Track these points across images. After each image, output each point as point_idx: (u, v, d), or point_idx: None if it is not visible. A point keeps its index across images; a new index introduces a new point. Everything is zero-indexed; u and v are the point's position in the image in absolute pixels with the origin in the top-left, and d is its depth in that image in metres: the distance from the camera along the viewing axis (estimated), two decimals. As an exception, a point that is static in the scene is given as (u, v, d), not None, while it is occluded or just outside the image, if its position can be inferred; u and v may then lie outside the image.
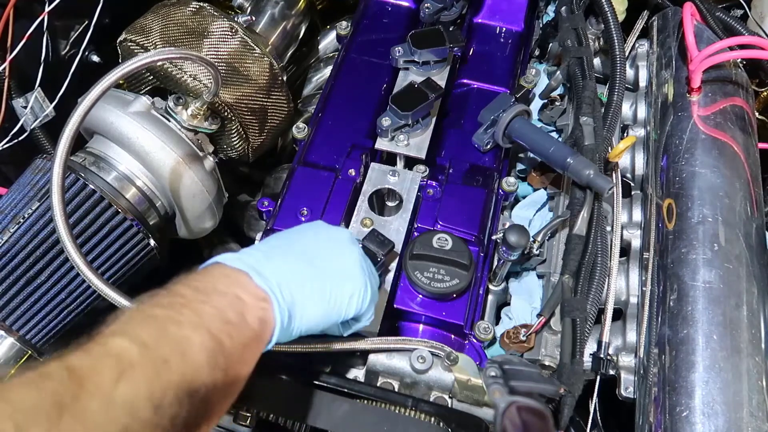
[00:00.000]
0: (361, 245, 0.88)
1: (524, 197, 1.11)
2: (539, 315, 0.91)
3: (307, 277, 0.68)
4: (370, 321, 0.77)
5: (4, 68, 1.15)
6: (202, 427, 0.56)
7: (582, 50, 1.10)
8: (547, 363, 0.90)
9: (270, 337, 0.65)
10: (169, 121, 1.09)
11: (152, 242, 1.10)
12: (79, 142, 1.08)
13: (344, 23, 1.27)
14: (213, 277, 0.63)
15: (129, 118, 1.05)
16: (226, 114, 1.12)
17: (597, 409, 0.89)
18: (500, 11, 1.27)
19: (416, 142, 1.04)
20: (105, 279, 0.82)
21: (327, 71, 1.44)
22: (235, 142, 1.17)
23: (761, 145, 1.03)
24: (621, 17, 1.17)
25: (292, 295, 0.66)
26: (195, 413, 0.54)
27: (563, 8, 1.19)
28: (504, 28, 1.26)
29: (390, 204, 1.05)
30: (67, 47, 1.30)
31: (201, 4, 1.15)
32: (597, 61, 1.22)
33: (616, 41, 1.09)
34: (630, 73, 1.19)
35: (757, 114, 1.12)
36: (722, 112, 1.01)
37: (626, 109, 1.15)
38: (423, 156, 1.03)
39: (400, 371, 0.86)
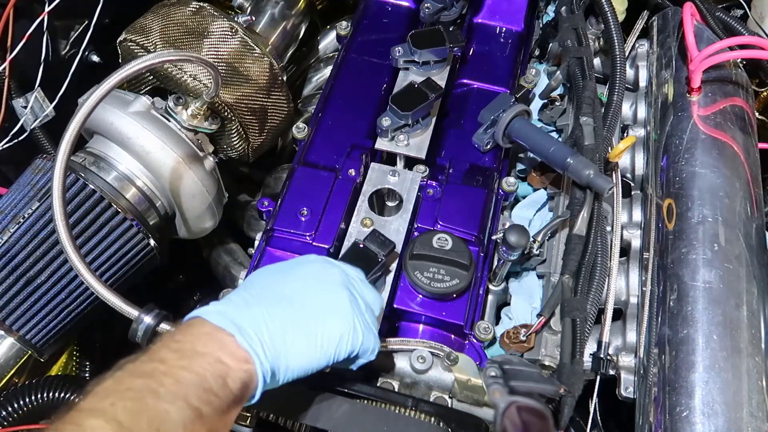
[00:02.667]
0: (362, 245, 0.88)
1: (524, 197, 1.11)
2: (539, 315, 0.91)
3: (289, 326, 0.66)
4: (375, 355, 0.74)
5: (4, 68, 1.15)
6: None
7: (582, 50, 1.10)
8: (547, 363, 0.90)
9: (253, 395, 0.64)
10: (169, 121, 1.09)
11: (152, 242, 1.10)
12: (79, 142, 1.08)
13: (344, 23, 1.27)
14: (194, 337, 0.62)
15: (129, 118, 1.05)
16: (226, 114, 1.12)
17: (597, 409, 0.89)
18: (500, 11, 1.27)
19: (416, 142, 1.04)
20: (103, 280, 0.82)
21: (327, 71, 1.44)
22: (235, 142, 1.17)
23: (761, 145, 1.03)
24: (621, 17, 1.17)
25: (275, 348, 0.64)
26: None
27: (563, 8, 1.19)
28: (504, 28, 1.26)
29: (390, 204, 1.05)
30: (67, 47, 1.30)
31: (201, 4, 1.15)
32: (597, 61, 1.22)
33: (616, 41, 1.09)
34: (630, 73, 1.19)
35: (757, 114, 1.12)
36: (722, 112, 1.01)
37: (626, 109, 1.15)
38: (423, 156, 1.03)
39: (400, 371, 0.86)
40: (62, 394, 1.07)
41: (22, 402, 1.05)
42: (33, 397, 1.06)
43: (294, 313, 0.67)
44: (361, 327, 0.70)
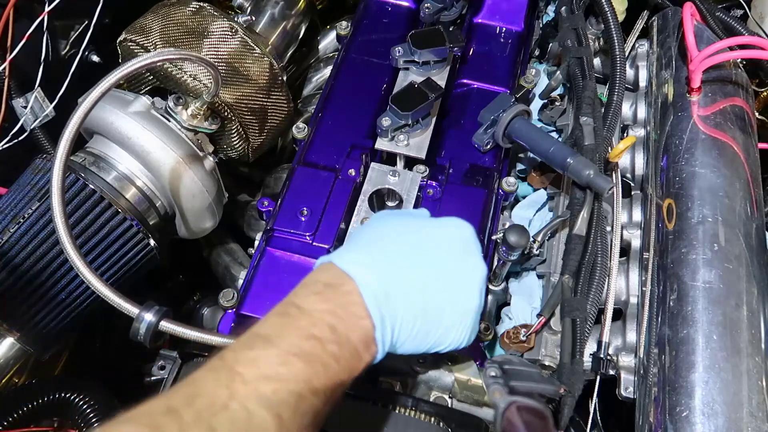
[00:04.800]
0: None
1: (524, 197, 1.11)
2: (539, 315, 0.91)
3: (418, 327, 0.66)
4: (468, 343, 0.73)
5: (4, 68, 1.15)
6: None
7: (582, 50, 1.10)
8: (547, 363, 0.90)
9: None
10: (169, 121, 1.09)
11: (152, 242, 1.10)
12: (79, 142, 1.08)
13: (344, 23, 1.27)
14: (350, 318, 0.61)
15: (129, 118, 1.05)
16: (226, 114, 1.12)
17: (597, 409, 0.89)
18: (500, 11, 1.27)
19: (416, 142, 1.04)
20: (104, 279, 0.82)
21: (327, 71, 1.44)
22: (235, 142, 1.17)
23: (761, 145, 1.03)
24: (621, 17, 1.17)
25: (398, 344, 0.65)
26: None
27: (563, 8, 1.19)
28: (504, 28, 1.26)
29: (390, 204, 1.05)
30: (67, 47, 1.30)
31: (201, 4, 1.15)
32: (597, 61, 1.22)
33: (616, 41, 1.09)
34: (630, 73, 1.19)
35: (757, 114, 1.12)
36: (722, 112, 1.01)
37: (626, 109, 1.15)
38: (423, 156, 1.03)
39: (400, 371, 0.86)
40: (64, 395, 1.07)
41: (23, 403, 1.05)
42: (35, 398, 1.06)
43: (426, 315, 0.66)
44: (471, 333, 0.71)
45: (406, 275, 0.66)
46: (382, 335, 0.63)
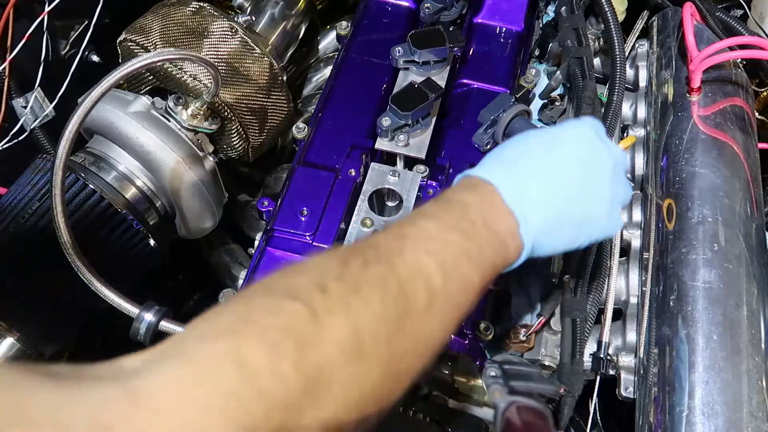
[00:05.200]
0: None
1: (524, 197, 1.11)
2: (539, 315, 0.91)
3: (564, 230, 0.68)
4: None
5: (4, 68, 1.15)
6: None
7: (582, 50, 1.10)
8: (547, 363, 0.90)
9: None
10: (169, 121, 1.09)
11: (152, 242, 1.10)
12: (79, 142, 1.08)
13: (344, 23, 1.27)
14: (494, 211, 0.63)
15: (129, 118, 1.05)
16: (226, 114, 1.12)
17: (597, 409, 0.89)
18: (500, 11, 1.27)
19: (416, 142, 1.04)
20: (104, 279, 0.82)
21: (327, 71, 1.44)
22: (235, 142, 1.17)
23: (761, 145, 1.03)
24: (621, 17, 1.17)
25: (539, 244, 0.67)
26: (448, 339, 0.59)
27: (563, 8, 1.19)
28: (504, 28, 1.26)
29: (390, 204, 1.05)
30: (67, 47, 1.30)
31: (201, 4, 1.15)
32: (597, 61, 1.22)
33: (616, 41, 1.09)
34: (630, 73, 1.19)
35: (757, 114, 1.12)
36: (722, 112, 1.01)
37: (626, 109, 1.15)
38: (423, 156, 1.03)
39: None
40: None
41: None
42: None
43: (572, 215, 0.68)
44: (616, 222, 0.72)
45: (539, 176, 0.67)
46: (526, 231, 0.64)
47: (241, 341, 0.41)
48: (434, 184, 1.03)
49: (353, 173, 1.03)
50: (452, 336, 0.92)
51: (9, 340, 1.04)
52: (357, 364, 0.46)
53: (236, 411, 0.38)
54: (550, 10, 1.32)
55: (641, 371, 0.88)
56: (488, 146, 1.07)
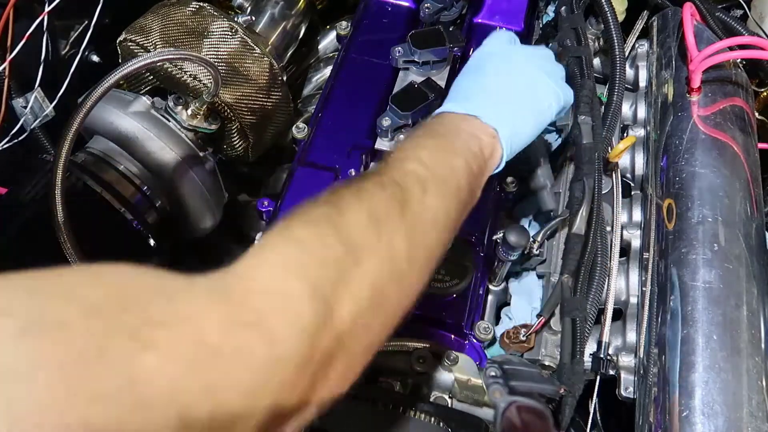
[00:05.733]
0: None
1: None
2: (539, 315, 0.91)
3: (518, 109, 0.78)
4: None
5: (4, 68, 1.15)
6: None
7: (581, 50, 1.10)
8: (547, 363, 0.90)
9: (498, 164, 0.76)
10: (169, 121, 1.09)
11: (152, 242, 1.10)
12: (79, 142, 1.08)
13: (344, 23, 1.27)
14: (452, 120, 0.73)
15: (129, 118, 1.05)
16: (226, 114, 1.12)
17: (597, 409, 0.89)
18: (500, 11, 1.27)
19: (416, 142, 1.04)
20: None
21: (327, 71, 1.44)
22: (235, 142, 1.17)
23: (761, 145, 1.03)
24: (621, 17, 1.17)
25: (510, 126, 0.75)
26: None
27: (563, 8, 1.19)
28: (504, 28, 1.26)
29: (390, 204, 1.05)
30: (67, 47, 1.30)
31: (201, 4, 1.15)
32: (597, 61, 1.22)
33: (615, 41, 1.09)
34: (630, 73, 1.19)
35: (757, 114, 1.12)
36: (722, 112, 1.01)
37: (626, 109, 1.15)
38: (423, 156, 1.03)
39: (400, 371, 0.86)
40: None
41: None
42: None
43: (518, 99, 0.78)
44: (562, 90, 0.82)
45: (483, 87, 0.78)
46: (489, 118, 0.74)
47: (289, 226, 0.54)
48: (434, 184, 1.02)
49: (353, 173, 1.03)
50: (452, 336, 0.92)
51: (9, 340, 1.04)
52: (381, 237, 0.55)
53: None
54: (550, 10, 1.32)
55: (641, 371, 0.88)
56: None
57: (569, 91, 0.85)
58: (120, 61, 1.17)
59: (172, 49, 1.08)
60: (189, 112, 1.09)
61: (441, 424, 0.78)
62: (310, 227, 0.53)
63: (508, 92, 0.78)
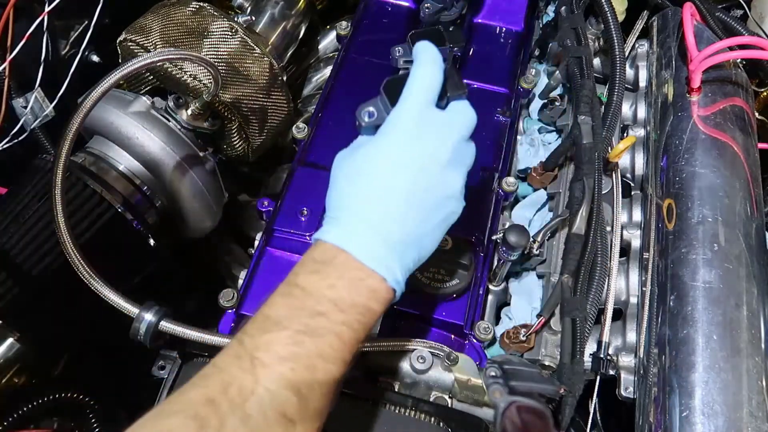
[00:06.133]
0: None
1: (524, 197, 1.11)
2: (539, 315, 0.91)
3: (427, 245, 0.68)
4: None
5: (4, 68, 1.15)
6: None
7: (581, 50, 1.10)
8: (547, 363, 0.90)
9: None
10: (169, 121, 1.09)
11: (152, 242, 1.10)
12: (79, 142, 1.08)
13: (344, 23, 1.27)
14: (351, 284, 0.63)
15: (129, 118, 1.05)
16: (226, 114, 1.12)
17: (597, 409, 0.89)
18: (500, 11, 1.27)
19: (416, 142, 1.04)
20: (104, 279, 0.82)
21: (327, 71, 1.44)
22: (235, 142, 1.17)
23: (761, 145, 1.03)
24: (621, 17, 1.17)
25: (413, 264, 0.67)
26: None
27: (563, 8, 1.19)
28: (504, 28, 1.26)
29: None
30: (67, 47, 1.30)
31: (201, 4, 1.15)
32: (597, 61, 1.22)
33: (615, 41, 1.09)
34: (630, 73, 1.19)
35: (757, 114, 1.12)
36: (722, 112, 1.01)
37: (626, 109, 1.15)
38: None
39: (400, 371, 0.86)
40: (64, 395, 1.07)
41: (22, 403, 1.05)
42: (34, 399, 1.06)
43: (428, 227, 0.67)
44: (460, 204, 0.71)
45: (383, 211, 0.66)
46: (395, 278, 0.65)
47: None
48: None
49: (353, 173, 1.02)
50: (452, 336, 0.92)
51: (9, 340, 1.04)
52: None
53: None
54: (550, 10, 1.32)
55: (641, 371, 0.88)
56: None
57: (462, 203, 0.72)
58: (120, 61, 1.17)
59: (172, 49, 1.08)
60: (189, 112, 1.09)
61: (441, 424, 0.78)
62: None
63: (427, 218, 0.67)
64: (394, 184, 0.66)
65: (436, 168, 0.68)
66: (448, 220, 0.70)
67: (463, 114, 0.71)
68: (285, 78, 1.22)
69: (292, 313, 0.61)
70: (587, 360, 0.89)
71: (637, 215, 1.03)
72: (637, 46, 1.20)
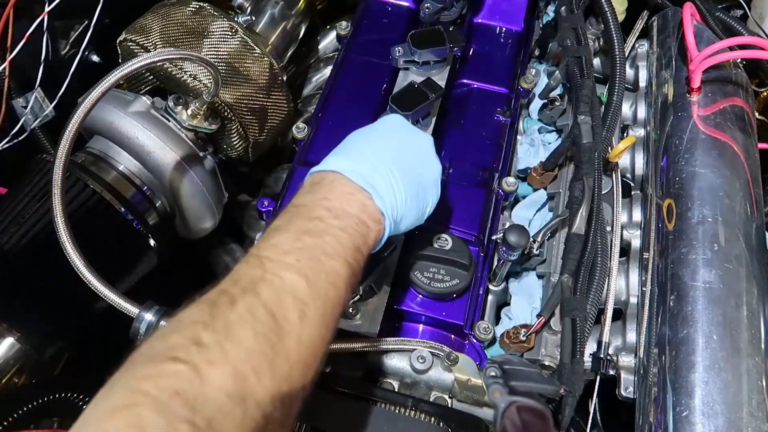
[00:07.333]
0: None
1: (524, 197, 1.11)
2: (539, 315, 0.91)
3: (409, 195, 0.75)
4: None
5: (4, 68, 1.15)
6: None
7: (581, 50, 1.10)
8: (547, 363, 0.90)
9: (377, 246, 0.74)
10: (169, 121, 1.09)
11: (152, 242, 1.10)
12: (79, 142, 1.08)
13: (344, 23, 1.27)
14: (341, 195, 0.70)
15: (129, 118, 1.05)
16: (226, 114, 1.12)
17: (597, 409, 0.89)
18: (500, 11, 1.27)
19: (416, 142, 1.04)
20: (105, 280, 0.82)
21: (327, 71, 1.44)
22: (235, 142, 1.17)
23: (761, 145, 1.03)
24: (621, 17, 1.17)
25: (398, 212, 0.74)
26: (335, 331, 0.64)
27: (563, 8, 1.19)
28: (504, 28, 1.26)
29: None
30: (67, 47, 1.30)
31: (201, 4, 1.15)
32: (597, 61, 1.22)
33: (615, 41, 1.09)
34: (630, 73, 1.19)
35: (757, 114, 1.12)
36: (722, 112, 1.01)
37: (626, 109, 1.15)
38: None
39: (400, 371, 0.86)
40: (64, 395, 1.07)
41: (23, 403, 1.05)
42: (35, 398, 1.05)
43: (411, 184, 0.75)
44: (438, 191, 0.81)
45: (379, 156, 0.75)
46: (382, 202, 0.71)
47: (138, 413, 0.46)
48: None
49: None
50: (452, 336, 0.92)
51: (9, 340, 1.04)
52: (245, 402, 0.51)
53: None
54: (550, 10, 1.32)
55: (641, 371, 0.88)
56: None
57: (439, 191, 0.82)
58: (120, 61, 1.17)
59: (172, 49, 1.08)
60: (189, 112, 1.09)
61: (441, 424, 0.78)
62: (159, 412, 0.48)
63: (404, 176, 0.74)
64: (385, 145, 0.77)
65: (423, 148, 0.80)
66: (428, 198, 0.79)
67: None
68: (285, 78, 1.22)
69: (292, 220, 0.67)
70: (587, 360, 0.89)
71: (637, 215, 1.03)
72: (637, 46, 1.20)
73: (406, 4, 1.28)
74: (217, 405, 0.49)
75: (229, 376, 0.50)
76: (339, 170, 0.71)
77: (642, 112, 1.14)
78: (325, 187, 0.71)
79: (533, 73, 1.19)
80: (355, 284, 0.68)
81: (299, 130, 1.10)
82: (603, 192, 0.99)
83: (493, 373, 0.82)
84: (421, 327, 0.92)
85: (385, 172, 0.73)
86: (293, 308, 0.58)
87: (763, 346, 0.82)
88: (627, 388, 0.89)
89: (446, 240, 0.91)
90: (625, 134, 1.14)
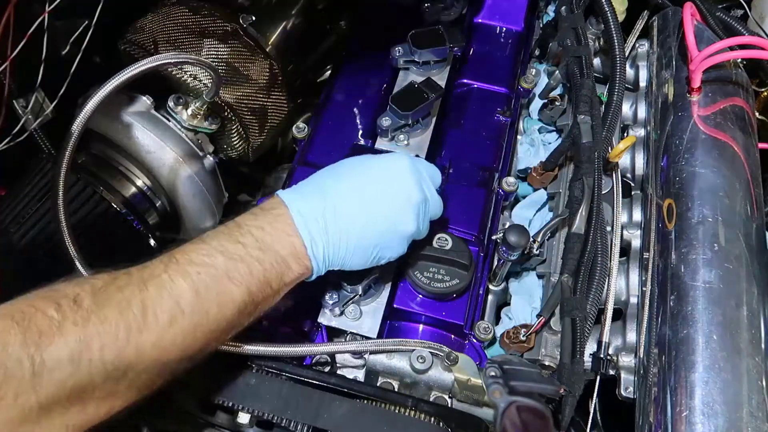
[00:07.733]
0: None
1: (524, 197, 1.11)
2: (539, 315, 0.91)
3: (357, 249, 0.75)
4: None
5: (5, 68, 1.15)
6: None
7: (581, 49, 1.10)
8: (547, 363, 0.90)
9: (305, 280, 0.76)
10: (169, 120, 1.09)
11: (152, 242, 1.10)
12: (80, 142, 1.07)
13: (344, 23, 1.27)
14: (276, 233, 0.71)
15: (129, 117, 1.05)
16: (226, 114, 1.12)
17: (597, 409, 0.89)
18: (500, 11, 1.27)
19: (416, 142, 1.04)
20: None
21: (327, 71, 1.44)
22: (235, 142, 1.17)
23: (761, 145, 1.03)
24: (621, 17, 1.17)
25: (337, 260, 0.75)
26: (206, 347, 0.68)
27: (563, 8, 1.19)
28: (504, 28, 1.26)
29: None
30: (68, 47, 1.29)
31: (201, 4, 1.15)
32: (597, 61, 1.22)
33: (616, 41, 1.09)
34: (630, 73, 1.19)
35: (757, 114, 1.12)
36: (722, 112, 1.01)
37: (626, 109, 1.15)
38: (423, 156, 1.03)
39: (399, 371, 0.86)
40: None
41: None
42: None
43: (366, 236, 0.75)
44: (423, 226, 0.80)
45: (340, 200, 0.74)
46: (314, 251, 0.72)
47: (7, 327, 0.56)
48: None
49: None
50: (452, 336, 0.92)
51: (9, 340, 1.04)
52: (80, 369, 0.57)
53: None
54: (550, 10, 1.32)
55: (641, 371, 0.88)
56: None
57: (428, 226, 0.82)
58: (121, 61, 1.17)
59: (172, 49, 1.08)
60: (189, 112, 1.09)
61: (441, 424, 0.78)
62: (22, 332, 0.56)
63: (367, 230, 0.75)
64: (356, 193, 0.75)
65: (402, 203, 0.77)
66: (383, 254, 0.78)
67: (436, 174, 0.84)
68: (285, 78, 1.22)
69: (218, 235, 0.70)
70: (587, 360, 0.89)
71: (637, 215, 1.03)
72: (637, 46, 1.20)
73: (406, 3, 1.28)
74: (59, 357, 0.56)
75: (76, 341, 0.57)
76: (288, 207, 0.73)
77: (642, 112, 1.14)
78: (268, 217, 0.73)
79: (533, 73, 1.19)
80: (255, 312, 0.71)
81: (299, 130, 1.10)
82: (603, 192, 0.99)
83: (492, 373, 0.82)
84: (421, 327, 0.92)
85: (333, 222, 0.73)
86: (168, 311, 0.63)
87: (763, 346, 0.82)
88: (627, 388, 0.89)
89: (446, 240, 0.91)
90: (625, 134, 1.14)
